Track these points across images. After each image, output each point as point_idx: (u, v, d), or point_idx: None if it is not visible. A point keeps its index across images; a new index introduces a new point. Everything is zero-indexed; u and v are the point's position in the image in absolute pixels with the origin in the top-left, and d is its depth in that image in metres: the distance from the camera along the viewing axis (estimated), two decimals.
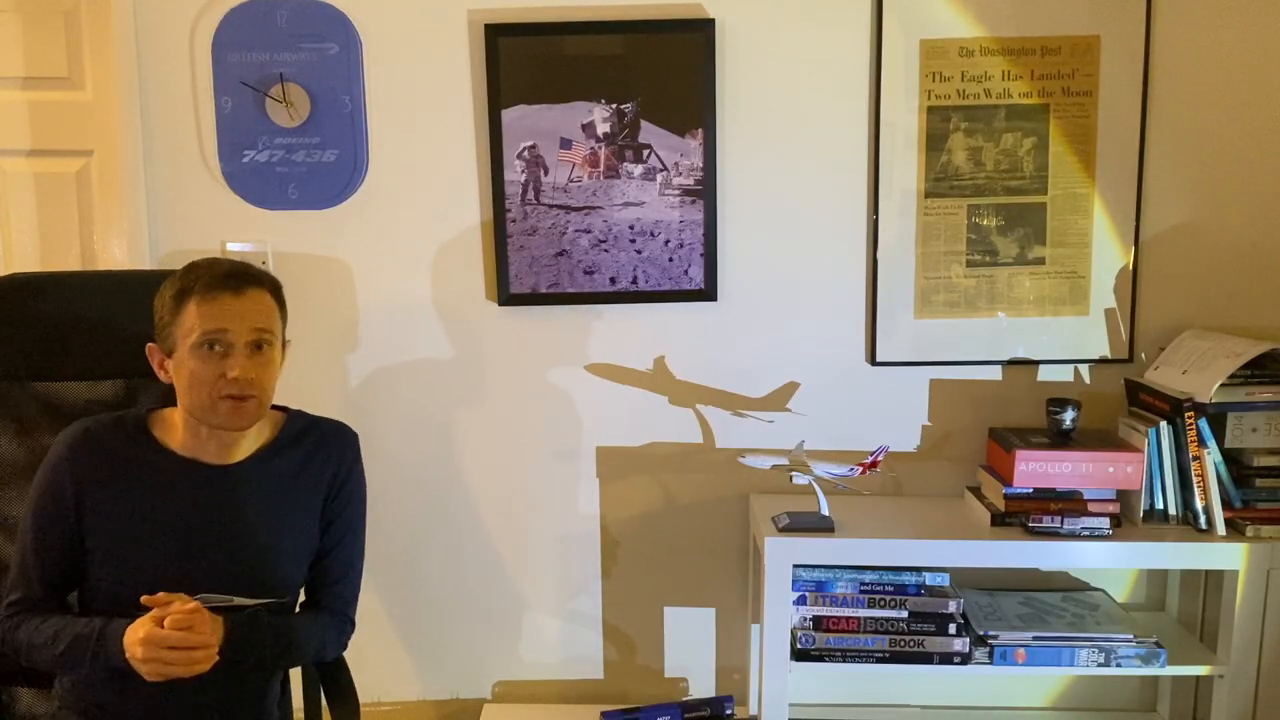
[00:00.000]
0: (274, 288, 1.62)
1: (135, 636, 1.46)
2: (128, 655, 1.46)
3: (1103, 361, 2.27)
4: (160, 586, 1.53)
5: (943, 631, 2.06)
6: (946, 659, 2.06)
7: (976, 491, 2.24)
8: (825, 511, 2.10)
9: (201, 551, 1.58)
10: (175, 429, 1.62)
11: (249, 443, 1.65)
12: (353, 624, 1.76)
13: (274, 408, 1.75)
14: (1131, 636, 2.05)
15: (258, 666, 1.58)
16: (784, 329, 2.30)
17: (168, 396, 1.64)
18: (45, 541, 1.59)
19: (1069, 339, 2.26)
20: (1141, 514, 2.07)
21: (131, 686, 1.54)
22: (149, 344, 1.61)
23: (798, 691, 2.35)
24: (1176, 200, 2.23)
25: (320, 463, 1.69)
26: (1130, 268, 2.24)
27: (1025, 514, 2.06)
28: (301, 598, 1.75)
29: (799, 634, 2.09)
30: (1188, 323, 2.25)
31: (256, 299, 1.57)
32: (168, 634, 1.45)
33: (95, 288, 1.86)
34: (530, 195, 2.24)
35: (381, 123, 2.26)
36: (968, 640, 2.05)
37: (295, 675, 1.81)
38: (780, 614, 2.05)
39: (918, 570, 2.08)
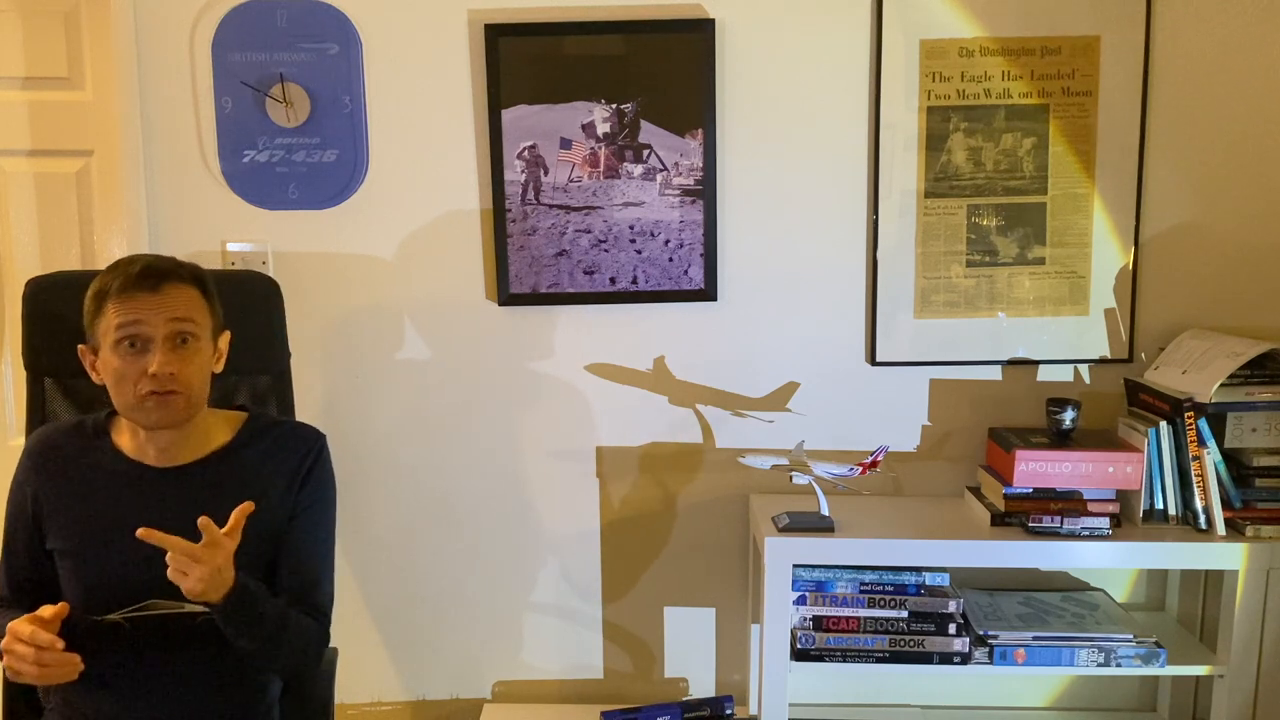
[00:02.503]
0: (199, 281, 1.58)
1: (10, 624, 1.43)
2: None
3: (1103, 361, 2.28)
4: (114, 590, 1.53)
5: (943, 631, 2.06)
6: (946, 659, 2.06)
7: (976, 491, 2.24)
8: (825, 511, 2.10)
9: (152, 555, 1.51)
10: (126, 430, 1.62)
11: (198, 444, 1.62)
12: (329, 620, 1.71)
13: (238, 408, 1.73)
14: (1131, 636, 2.05)
15: (252, 632, 1.52)
16: (784, 329, 2.30)
17: None
18: (12, 546, 1.62)
19: (1069, 339, 2.26)
20: (1141, 514, 2.07)
21: (116, 696, 1.54)
22: (80, 345, 1.58)
23: (798, 691, 2.35)
24: (1176, 200, 2.23)
25: (282, 465, 1.65)
26: (1130, 268, 2.24)
27: (1025, 514, 2.06)
28: None
29: (799, 634, 2.09)
30: (1188, 323, 2.25)
31: (177, 293, 1.54)
32: (23, 627, 1.41)
33: None
34: (530, 195, 2.24)
35: (381, 123, 2.26)
36: (968, 640, 2.05)
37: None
38: (780, 614, 2.05)
39: (918, 570, 2.08)
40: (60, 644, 1.41)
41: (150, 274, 1.53)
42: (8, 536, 1.63)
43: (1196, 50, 2.19)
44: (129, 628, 1.54)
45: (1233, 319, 2.24)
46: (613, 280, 2.26)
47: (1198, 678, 2.26)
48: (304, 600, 1.65)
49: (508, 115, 2.22)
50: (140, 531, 1.40)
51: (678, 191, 2.24)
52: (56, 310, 1.81)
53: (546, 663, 2.44)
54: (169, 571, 1.42)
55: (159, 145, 2.26)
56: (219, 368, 1.63)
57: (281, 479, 1.65)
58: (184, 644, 1.57)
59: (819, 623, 2.09)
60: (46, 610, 1.44)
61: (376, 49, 2.23)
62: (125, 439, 1.62)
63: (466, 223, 2.28)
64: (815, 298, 2.29)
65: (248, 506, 1.47)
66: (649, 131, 2.22)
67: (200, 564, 1.41)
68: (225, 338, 1.65)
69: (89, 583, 1.56)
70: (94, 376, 1.58)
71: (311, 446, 1.69)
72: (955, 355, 2.28)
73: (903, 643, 2.07)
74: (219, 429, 1.66)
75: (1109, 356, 2.27)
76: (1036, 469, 2.07)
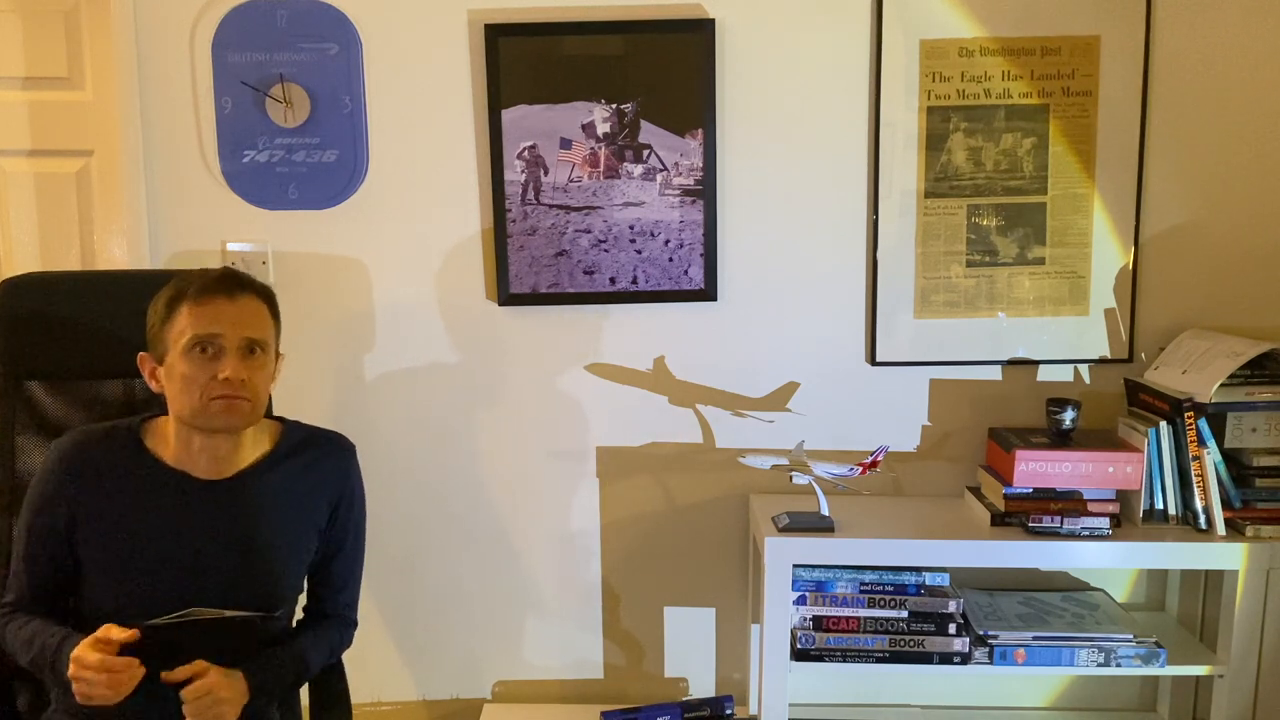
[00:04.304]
0: (268, 297, 1.60)
1: (75, 653, 1.42)
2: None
3: (1103, 361, 2.28)
4: (153, 600, 1.52)
5: (943, 631, 2.06)
6: (946, 659, 2.06)
7: (976, 491, 2.24)
8: (825, 511, 2.10)
9: (195, 566, 1.56)
10: (168, 440, 1.60)
11: (244, 455, 1.62)
12: (356, 624, 1.78)
13: (271, 418, 1.74)
14: (1131, 636, 2.05)
15: (282, 696, 1.64)
16: (784, 329, 2.30)
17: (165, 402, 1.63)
18: (35, 552, 1.59)
19: (1069, 339, 2.26)
20: (1141, 514, 2.07)
21: (139, 696, 1.53)
22: (140, 353, 1.59)
23: (798, 691, 2.35)
24: (1176, 200, 2.23)
25: (321, 476, 1.68)
26: (1130, 268, 2.24)
27: (1025, 514, 2.06)
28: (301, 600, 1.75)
29: (799, 634, 2.09)
30: (1188, 323, 2.25)
31: (250, 305, 1.56)
32: (91, 656, 1.41)
33: (97, 288, 1.87)
34: (530, 195, 2.24)
35: (381, 123, 2.26)
36: (968, 640, 2.05)
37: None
38: (780, 614, 2.05)
39: (918, 570, 2.08)
40: (135, 663, 1.42)
41: (228, 282, 1.55)
42: (31, 542, 1.58)
43: (1196, 50, 2.19)
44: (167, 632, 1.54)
45: (1233, 319, 2.24)
46: (613, 280, 2.26)
47: (1198, 678, 2.26)
48: (334, 602, 1.74)
49: (508, 115, 2.22)
50: (164, 676, 1.45)
51: (678, 191, 2.24)
52: (37, 311, 1.79)
53: (547, 662, 2.44)
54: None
55: (159, 145, 2.26)
56: (272, 386, 1.64)
57: (326, 496, 1.69)
58: (215, 643, 1.56)
59: (819, 623, 2.09)
60: (115, 631, 1.43)
61: (376, 49, 2.23)
62: (165, 448, 1.60)
63: (466, 223, 2.28)
64: (815, 298, 2.29)
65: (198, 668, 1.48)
66: (649, 131, 2.22)
67: (220, 702, 1.47)
68: (281, 360, 1.66)
69: (128, 592, 1.55)
70: (153, 385, 1.58)
71: (350, 461, 1.74)
72: (955, 355, 2.28)
73: (903, 643, 2.07)
74: (258, 439, 1.66)
75: (1109, 356, 2.27)
76: (1036, 469, 2.07)
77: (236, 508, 1.60)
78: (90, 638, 1.43)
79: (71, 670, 1.41)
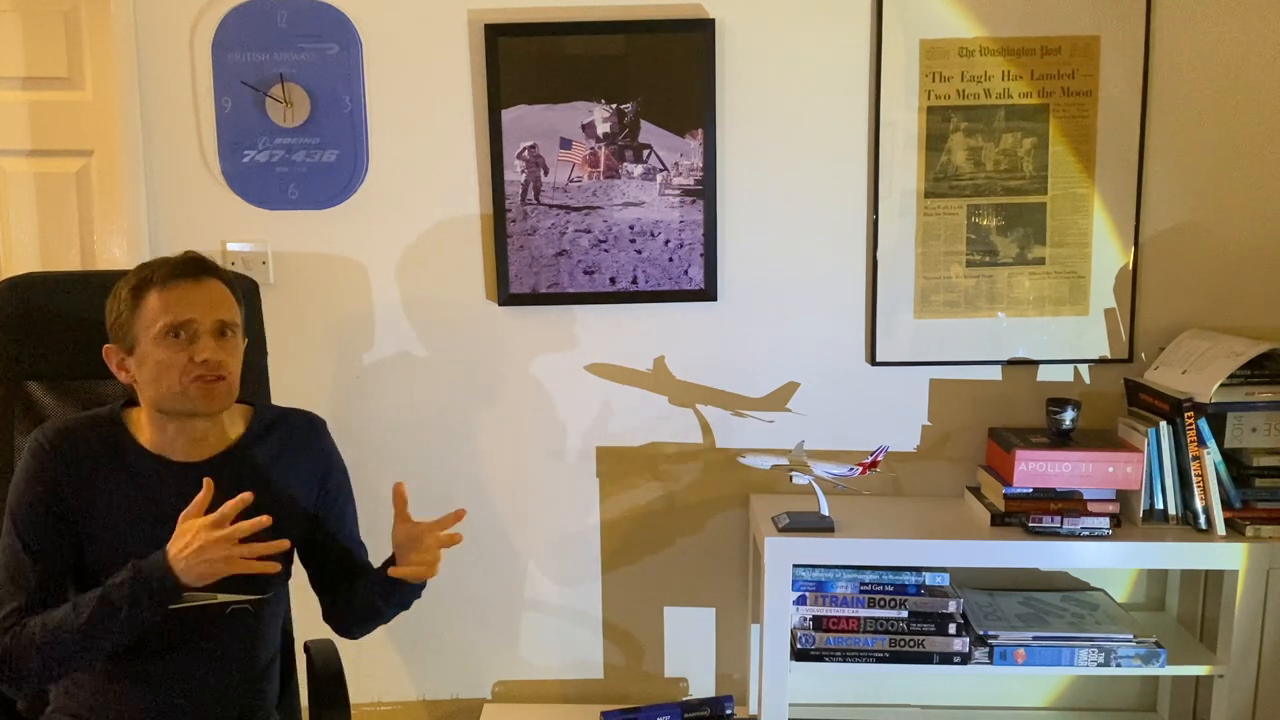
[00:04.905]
0: (229, 282, 1.60)
1: (180, 543, 1.42)
2: (173, 564, 1.42)
3: (1103, 361, 2.28)
4: None
5: (943, 631, 2.06)
6: (946, 659, 2.06)
7: (976, 491, 2.24)
8: (825, 511, 2.10)
9: None
10: (143, 427, 1.60)
11: (218, 438, 1.62)
12: None
13: (240, 402, 1.71)
14: (1131, 636, 2.05)
15: (405, 603, 1.73)
16: (784, 329, 2.30)
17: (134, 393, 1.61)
18: (34, 541, 1.52)
19: (1069, 339, 2.26)
20: (1141, 514, 2.07)
21: (124, 688, 1.53)
22: (106, 346, 1.57)
23: (798, 691, 2.35)
24: (1176, 200, 2.23)
25: (299, 454, 1.68)
26: (1130, 268, 2.24)
27: (1025, 514, 2.06)
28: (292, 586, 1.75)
29: (799, 634, 2.09)
30: (1188, 323, 2.25)
31: (216, 288, 1.55)
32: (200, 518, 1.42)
33: (97, 288, 1.85)
34: (530, 195, 2.24)
35: (381, 123, 2.26)
36: (968, 640, 2.05)
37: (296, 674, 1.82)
38: (780, 614, 2.05)
39: (918, 570, 2.08)
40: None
41: (193, 267, 1.54)
42: (25, 536, 1.52)
43: (1196, 50, 2.19)
44: (159, 620, 1.51)
45: (1233, 319, 2.24)
46: (613, 280, 2.26)
47: (1198, 678, 2.26)
48: (364, 561, 1.78)
49: (508, 115, 2.22)
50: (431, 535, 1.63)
51: (678, 191, 2.24)
52: (37, 311, 1.78)
53: (546, 662, 2.44)
54: (426, 566, 1.62)
55: (159, 145, 2.26)
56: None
57: (307, 476, 1.69)
58: (212, 635, 1.57)
59: (819, 623, 2.09)
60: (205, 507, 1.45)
61: (376, 49, 2.23)
62: (144, 434, 1.60)
63: (466, 223, 2.29)
64: (815, 298, 2.29)
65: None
66: (649, 131, 2.22)
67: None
68: (244, 344, 1.65)
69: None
70: (122, 376, 1.57)
71: (324, 436, 1.74)
72: (955, 355, 2.28)
73: (903, 643, 2.07)
74: (232, 421, 1.66)
75: (1109, 356, 2.27)
76: (1036, 469, 2.07)
77: (218, 488, 1.56)
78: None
79: (191, 545, 1.41)
